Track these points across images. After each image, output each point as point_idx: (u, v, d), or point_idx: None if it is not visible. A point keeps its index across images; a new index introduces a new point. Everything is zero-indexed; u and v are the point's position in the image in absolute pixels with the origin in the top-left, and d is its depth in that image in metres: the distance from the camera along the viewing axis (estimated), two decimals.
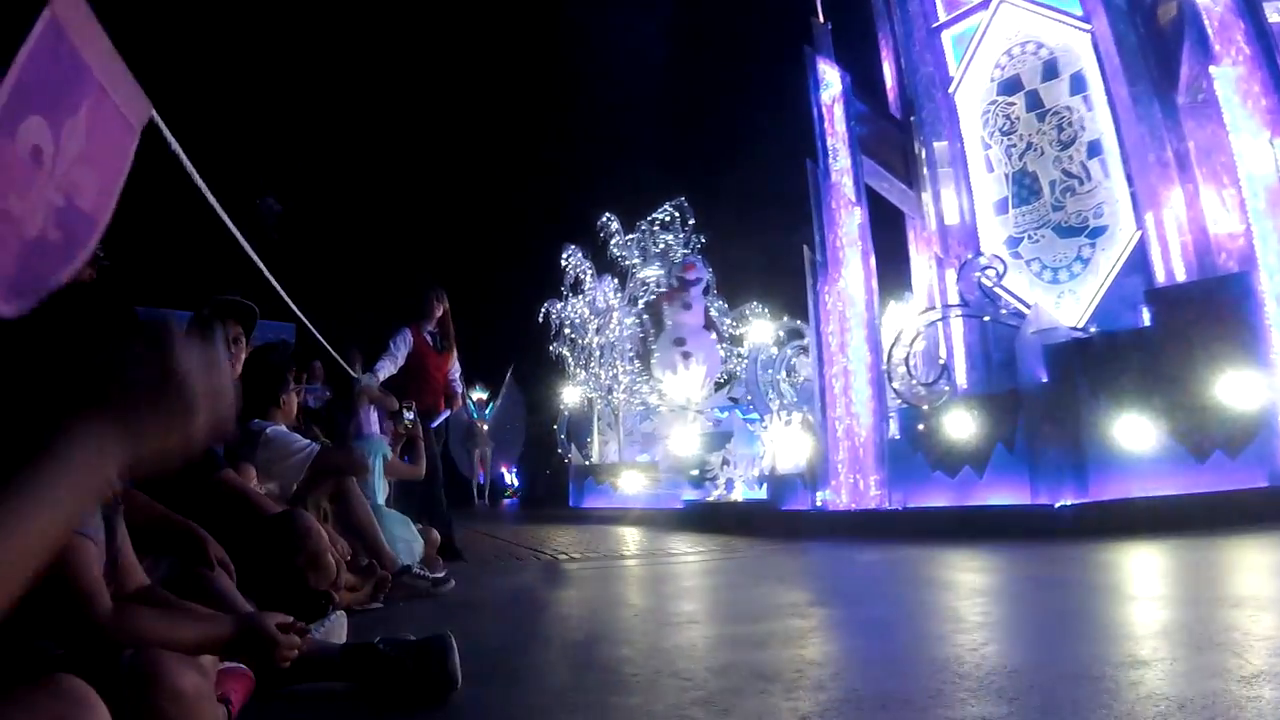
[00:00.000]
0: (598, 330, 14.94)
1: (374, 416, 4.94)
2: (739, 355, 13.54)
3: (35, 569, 0.60)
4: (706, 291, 14.33)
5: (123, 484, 1.60)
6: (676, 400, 12.91)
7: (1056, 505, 6.06)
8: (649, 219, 14.95)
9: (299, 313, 3.75)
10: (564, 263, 15.51)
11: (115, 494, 1.45)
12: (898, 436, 7.79)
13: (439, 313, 5.93)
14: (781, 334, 10.89)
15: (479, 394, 26.30)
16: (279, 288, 3.23)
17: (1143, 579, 3.95)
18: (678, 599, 4.12)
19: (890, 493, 7.56)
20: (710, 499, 9.84)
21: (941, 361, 8.43)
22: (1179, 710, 1.63)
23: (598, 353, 14.76)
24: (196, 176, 2.04)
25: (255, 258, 2.77)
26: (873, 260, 8.25)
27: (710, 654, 2.52)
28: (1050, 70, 8.50)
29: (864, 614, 3.31)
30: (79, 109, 1.21)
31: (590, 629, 3.41)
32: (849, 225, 8.22)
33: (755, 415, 10.24)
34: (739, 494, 9.54)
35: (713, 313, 14.46)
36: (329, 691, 2.16)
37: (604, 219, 15.15)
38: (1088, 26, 8.10)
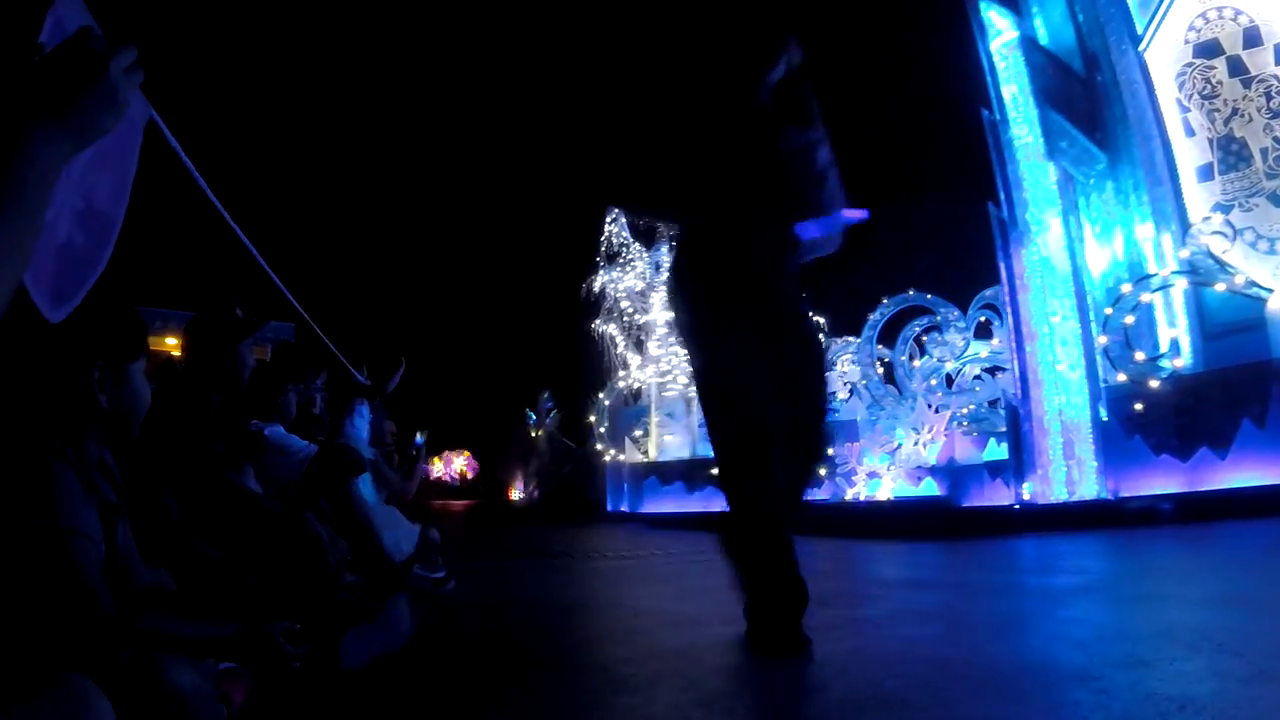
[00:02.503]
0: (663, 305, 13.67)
1: (364, 421, 5.60)
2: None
3: (27, 254, 0.88)
4: None
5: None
6: None
7: None
8: None
9: (302, 311, 4.34)
10: (607, 228, 15.37)
11: (121, 497, 1.64)
12: (1106, 418, 7.54)
13: None
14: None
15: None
16: (282, 286, 3.81)
17: None
18: None
19: (1102, 480, 7.27)
20: (846, 497, 9.36)
21: (1174, 334, 8.20)
22: None
23: (662, 329, 14.15)
24: (199, 176, 2.57)
25: (259, 256, 3.33)
26: (1074, 221, 8.02)
27: None
28: (1252, 38, 8.61)
29: None
30: None
31: (596, 631, 3.76)
32: (1043, 183, 7.99)
33: (884, 403, 9.67)
34: (887, 491, 9.11)
35: None
36: (329, 691, 2.46)
37: None
38: None
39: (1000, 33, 8.62)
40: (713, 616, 3.82)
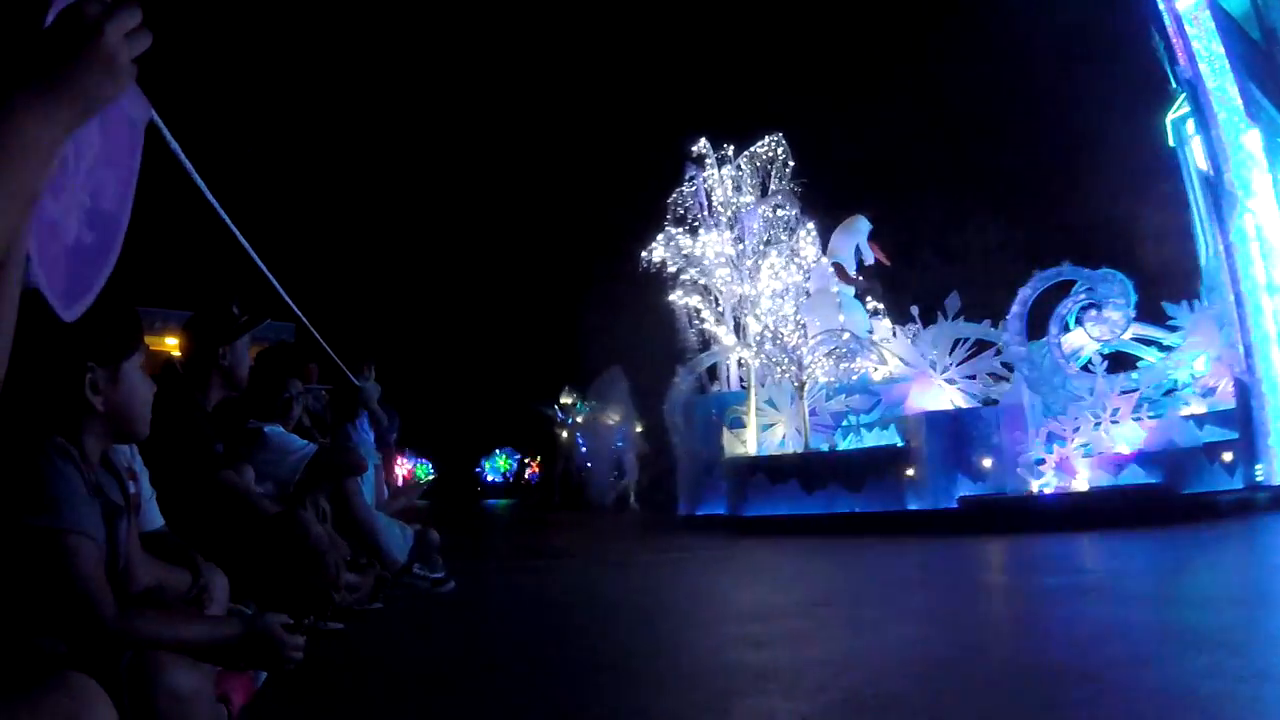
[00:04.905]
0: (773, 271, 12.44)
1: (365, 421, 5.55)
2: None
3: (8, 235, 0.84)
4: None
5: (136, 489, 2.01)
6: (916, 365, 10.50)
7: None
8: (748, 152, 13.57)
9: (300, 313, 4.28)
10: (687, 186, 13.77)
11: (126, 498, 1.65)
12: None
13: None
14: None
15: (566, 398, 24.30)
16: (281, 290, 3.76)
17: None
18: None
19: None
20: (1032, 490, 8.38)
21: None
22: None
23: (768, 302, 12.40)
24: (196, 176, 2.51)
25: (256, 258, 3.27)
26: None
27: None
28: None
29: None
30: None
31: (591, 630, 3.77)
32: (1248, 146, 7.83)
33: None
34: (1083, 481, 8.26)
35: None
36: (331, 692, 2.61)
37: (699, 145, 13.76)
38: None
39: None
40: (713, 616, 3.79)
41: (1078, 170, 21.13)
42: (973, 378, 10.08)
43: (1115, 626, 3.13)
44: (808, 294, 12.58)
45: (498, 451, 42.56)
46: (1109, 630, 3.05)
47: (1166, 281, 9.76)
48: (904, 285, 14.00)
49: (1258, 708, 1.95)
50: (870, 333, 11.62)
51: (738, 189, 13.50)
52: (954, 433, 9.18)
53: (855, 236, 12.99)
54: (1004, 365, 9.84)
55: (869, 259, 12.93)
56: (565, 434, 23.55)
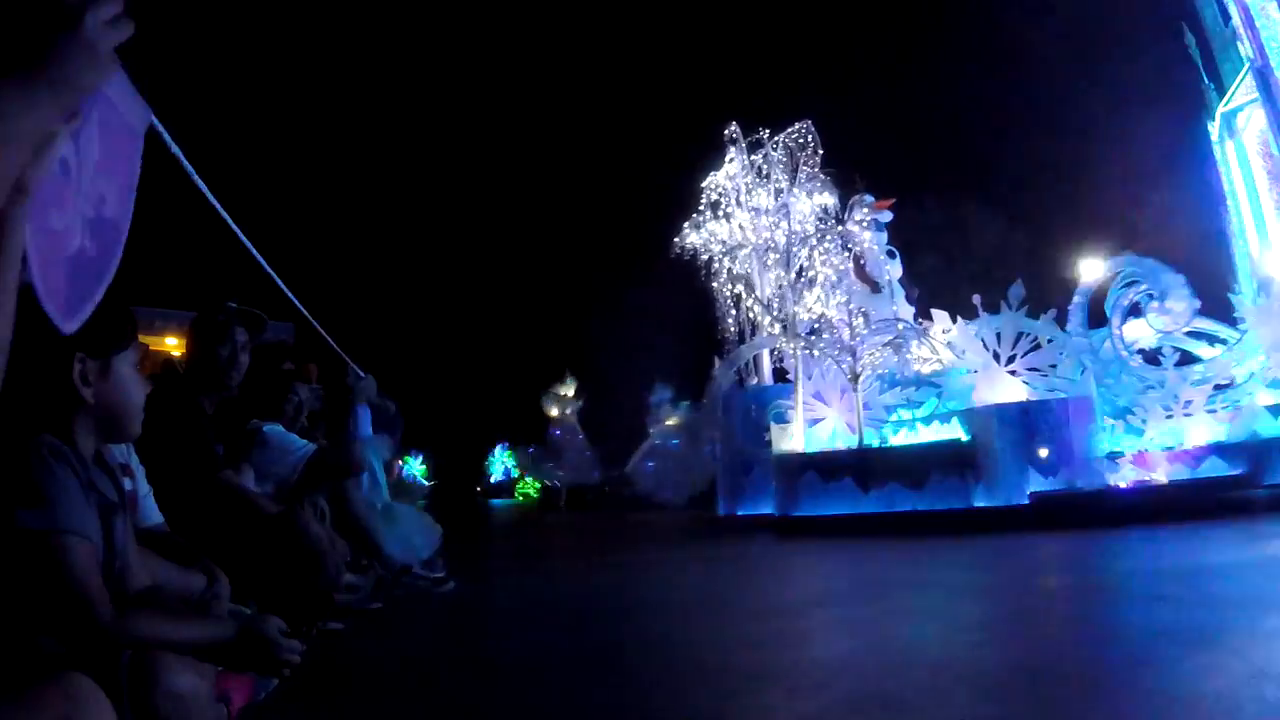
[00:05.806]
0: (822, 257, 12.03)
1: (366, 417, 5.54)
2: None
3: None
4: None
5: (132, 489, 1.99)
6: (978, 357, 9.83)
7: None
8: (777, 140, 13.24)
9: (305, 311, 4.29)
10: (727, 165, 13.38)
11: (120, 495, 1.64)
12: None
13: None
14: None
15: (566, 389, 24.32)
16: (285, 288, 3.77)
17: None
18: None
19: None
20: (1111, 483, 8.12)
21: None
22: None
23: (818, 290, 11.99)
24: (198, 179, 2.51)
25: (259, 256, 3.29)
26: None
27: None
28: None
29: None
30: (90, 118, 1.36)
31: (593, 631, 3.75)
32: None
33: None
34: (1162, 474, 8.03)
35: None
36: (331, 692, 2.64)
37: (730, 130, 13.51)
38: None
39: None
40: (713, 614, 3.79)
41: (1091, 168, 21.17)
42: (1013, 373, 9.75)
43: (1132, 626, 3.16)
44: (858, 265, 12.26)
45: (500, 449, 41.67)
46: (1124, 630, 3.08)
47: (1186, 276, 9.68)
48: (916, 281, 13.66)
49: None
50: (919, 322, 11.28)
51: (766, 177, 13.25)
52: (1024, 426, 8.73)
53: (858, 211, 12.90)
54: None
55: (884, 217, 12.68)
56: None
